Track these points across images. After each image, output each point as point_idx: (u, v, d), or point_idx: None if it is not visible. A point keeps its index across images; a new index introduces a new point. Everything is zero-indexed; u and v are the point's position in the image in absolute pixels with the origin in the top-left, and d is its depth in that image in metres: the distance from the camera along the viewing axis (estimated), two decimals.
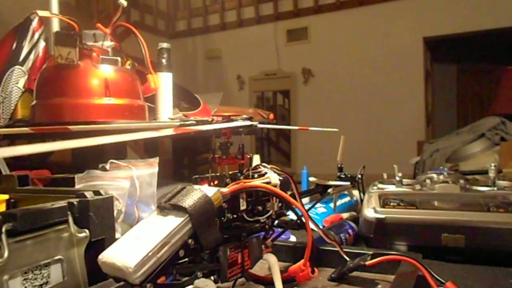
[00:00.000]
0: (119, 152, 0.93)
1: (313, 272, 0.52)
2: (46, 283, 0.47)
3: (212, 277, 0.43)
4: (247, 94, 5.57)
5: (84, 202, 0.52)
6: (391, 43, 4.62)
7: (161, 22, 5.83)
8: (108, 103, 0.84)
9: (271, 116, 1.56)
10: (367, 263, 0.55)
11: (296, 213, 0.51)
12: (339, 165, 0.76)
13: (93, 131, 0.60)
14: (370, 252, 0.57)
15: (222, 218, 0.43)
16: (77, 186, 0.70)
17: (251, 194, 0.48)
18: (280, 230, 0.57)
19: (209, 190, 0.41)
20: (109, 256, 0.36)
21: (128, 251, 0.36)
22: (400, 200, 0.78)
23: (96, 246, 0.52)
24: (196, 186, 0.41)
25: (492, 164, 0.84)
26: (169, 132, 0.39)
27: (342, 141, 0.74)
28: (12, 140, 1.07)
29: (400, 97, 4.58)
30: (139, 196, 0.73)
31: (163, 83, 0.99)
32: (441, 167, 1.12)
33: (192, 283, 0.40)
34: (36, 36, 1.02)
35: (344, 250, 0.58)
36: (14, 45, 1.00)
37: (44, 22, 1.06)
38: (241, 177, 0.48)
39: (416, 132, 4.46)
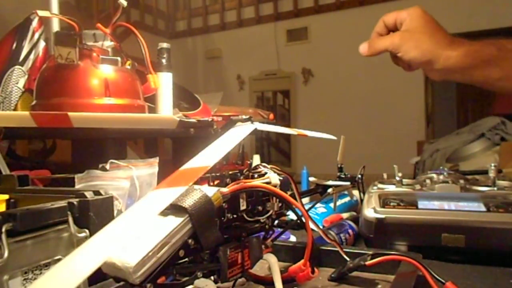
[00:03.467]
0: (119, 152, 0.93)
1: (313, 272, 0.52)
2: None
3: (212, 277, 0.43)
4: (247, 94, 5.57)
5: (84, 202, 0.52)
6: None
7: (161, 22, 5.83)
8: (108, 103, 0.84)
9: (271, 116, 1.56)
10: (367, 263, 0.55)
11: (296, 213, 0.51)
12: (339, 165, 0.76)
13: (93, 129, 0.60)
14: (370, 252, 0.57)
15: (222, 218, 0.43)
16: (77, 186, 0.69)
17: (251, 194, 0.48)
18: (280, 230, 0.57)
19: (209, 190, 0.41)
20: (109, 256, 0.36)
21: (128, 251, 0.35)
22: (400, 200, 0.78)
23: None
24: (196, 186, 0.41)
25: (492, 164, 0.84)
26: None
27: (342, 141, 0.74)
28: (12, 140, 1.07)
29: (400, 97, 4.58)
30: (139, 196, 0.73)
31: (163, 83, 0.99)
32: (441, 167, 1.12)
33: (192, 283, 0.40)
34: (36, 36, 1.02)
35: (344, 250, 0.58)
36: (14, 45, 1.00)
37: (44, 22, 1.06)
38: (241, 177, 0.48)
39: (416, 132, 4.46)
